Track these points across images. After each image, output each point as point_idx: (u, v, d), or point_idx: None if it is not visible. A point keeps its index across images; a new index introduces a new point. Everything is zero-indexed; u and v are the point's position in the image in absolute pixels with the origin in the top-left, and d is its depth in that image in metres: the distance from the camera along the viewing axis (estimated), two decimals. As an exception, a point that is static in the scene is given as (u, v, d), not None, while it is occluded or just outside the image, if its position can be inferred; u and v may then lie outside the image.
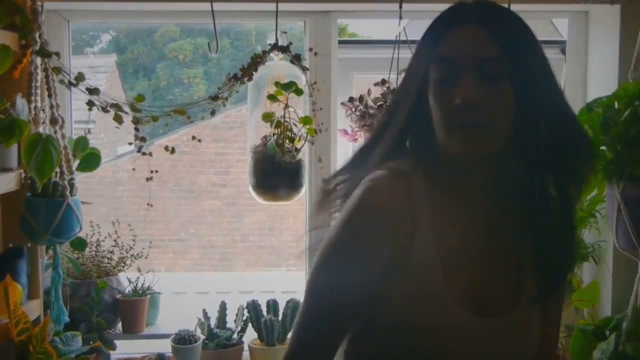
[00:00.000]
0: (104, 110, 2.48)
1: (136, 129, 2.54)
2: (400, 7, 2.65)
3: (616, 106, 2.53)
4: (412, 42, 2.72)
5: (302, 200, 2.92)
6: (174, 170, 7.94)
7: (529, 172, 1.45)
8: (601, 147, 2.54)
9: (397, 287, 1.39)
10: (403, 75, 1.51)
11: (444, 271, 1.39)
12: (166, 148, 2.62)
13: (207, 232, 8.88)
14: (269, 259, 8.96)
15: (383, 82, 2.66)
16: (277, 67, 2.77)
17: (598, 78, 3.00)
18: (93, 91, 2.46)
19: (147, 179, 2.64)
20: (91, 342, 2.71)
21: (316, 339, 1.47)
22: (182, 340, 2.82)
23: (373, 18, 3.18)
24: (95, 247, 2.98)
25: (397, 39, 2.70)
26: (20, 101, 2.45)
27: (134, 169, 2.68)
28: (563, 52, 3.22)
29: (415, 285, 1.39)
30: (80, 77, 2.43)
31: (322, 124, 2.76)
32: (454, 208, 1.45)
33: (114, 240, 3.02)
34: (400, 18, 2.69)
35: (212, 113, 2.63)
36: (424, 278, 1.39)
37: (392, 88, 2.65)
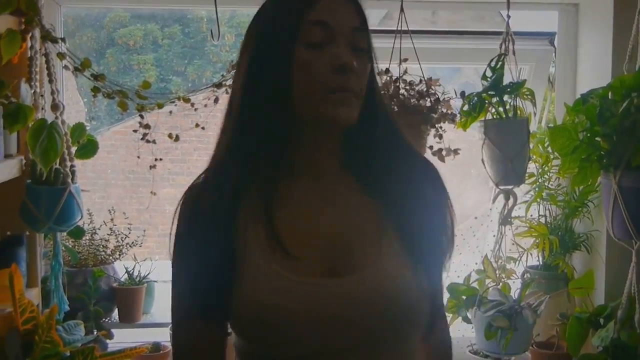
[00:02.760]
0: (109, 96, 2.45)
1: (141, 116, 2.52)
2: (403, -3, 2.66)
3: (610, 97, 2.58)
4: (413, 31, 2.73)
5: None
6: (130, 157, 7.85)
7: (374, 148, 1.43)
8: (596, 138, 2.60)
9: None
10: (246, 56, 1.42)
11: (290, 246, 1.35)
12: (170, 135, 2.61)
13: (163, 220, 8.80)
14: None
15: (386, 71, 2.67)
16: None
17: (589, 70, 3.05)
18: (99, 77, 2.42)
19: (151, 167, 2.62)
20: (93, 331, 2.69)
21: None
22: (181, 329, 2.79)
23: (369, 8, 3.17)
24: (91, 236, 2.94)
25: (399, 28, 2.71)
26: (24, 87, 2.41)
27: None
28: (551, 43, 3.28)
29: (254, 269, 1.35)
30: (86, 64, 2.40)
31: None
32: (300, 182, 1.42)
33: (110, 229, 2.99)
34: (402, 10, 2.70)
35: (216, 101, 2.62)
36: (260, 259, 1.35)
37: (394, 77, 2.66)
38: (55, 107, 2.49)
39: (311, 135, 1.40)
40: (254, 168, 1.39)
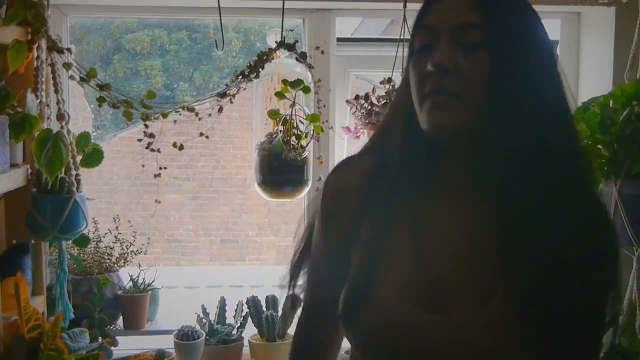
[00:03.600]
0: (114, 106, 2.47)
1: (145, 126, 2.54)
2: (405, 6, 2.67)
3: (611, 105, 2.60)
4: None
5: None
6: (136, 164, 7.88)
7: (508, 163, 1.27)
8: (597, 146, 2.61)
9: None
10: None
11: (392, 261, 1.31)
12: (174, 144, 2.63)
13: (168, 226, 8.82)
14: (232, 253, 8.94)
15: (389, 80, 2.69)
16: (276, 65, 2.78)
17: (590, 78, 3.07)
18: (104, 87, 2.45)
19: (155, 176, 2.64)
20: (98, 339, 2.71)
21: (311, 323, 1.51)
22: (185, 336, 2.82)
23: (372, 17, 3.21)
24: (96, 243, 2.96)
25: (401, 37, 2.72)
26: (30, 97, 2.43)
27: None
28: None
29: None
30: (92, 74, 2.42)
31: (326, 121, 2.78)
32: (423, 199, 1.34)
33: (115, 237, 3.01)
34: (405, 19, 2.71)
35: (220, 110, 2.64)
36: (369, 264, 1.32)
37: (396, 87, 2.68)
38: (60, 116, 2.51)
39: (435, 145, 1.33)
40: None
